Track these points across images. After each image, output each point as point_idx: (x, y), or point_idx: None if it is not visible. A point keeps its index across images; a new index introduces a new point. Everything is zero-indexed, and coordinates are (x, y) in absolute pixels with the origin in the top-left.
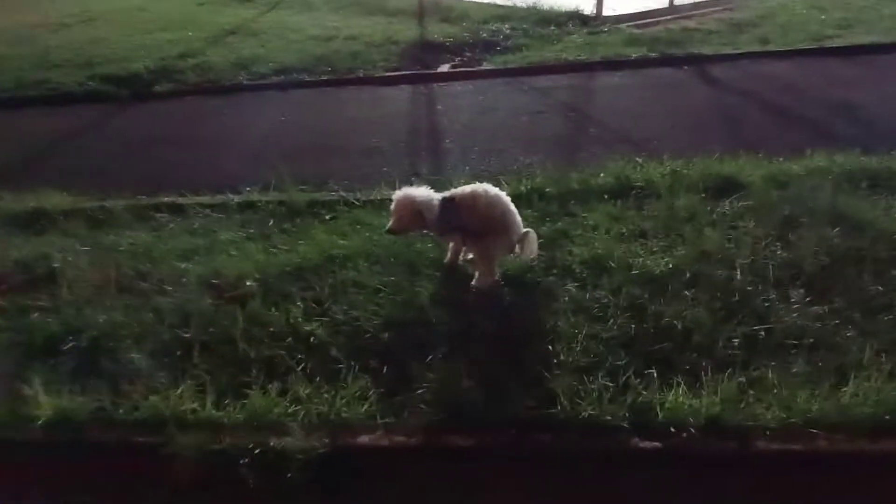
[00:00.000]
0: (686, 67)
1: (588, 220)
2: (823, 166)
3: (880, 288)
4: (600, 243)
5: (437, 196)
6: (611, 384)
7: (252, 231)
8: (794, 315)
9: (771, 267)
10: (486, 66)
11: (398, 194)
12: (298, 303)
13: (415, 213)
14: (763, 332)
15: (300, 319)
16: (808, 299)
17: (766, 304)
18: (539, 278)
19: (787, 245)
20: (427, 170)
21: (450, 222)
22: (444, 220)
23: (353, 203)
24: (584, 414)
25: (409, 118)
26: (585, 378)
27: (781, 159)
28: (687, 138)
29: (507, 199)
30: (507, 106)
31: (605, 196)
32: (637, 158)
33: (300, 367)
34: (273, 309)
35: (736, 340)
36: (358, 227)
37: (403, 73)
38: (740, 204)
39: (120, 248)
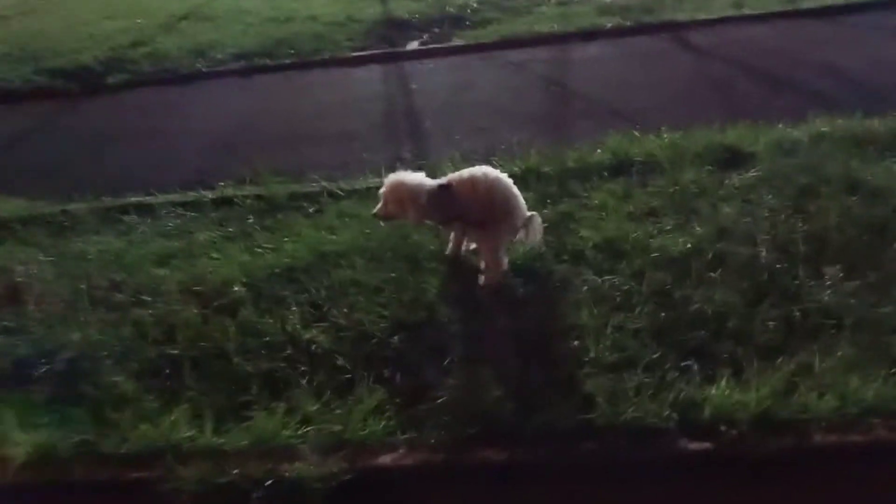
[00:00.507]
0: (663, 35)
1: (592, 199)
2: (826, 131)
3: None
4: (610, 224)
5: (430, 182)
6: (647, 380)
7: (231, 230)
8: (829, 293)
9: (794, 242)
10: (456, 42)
11: (390, 178)
12: (293, 307)
13: (404, 199)
14: (798, 314)
15: (298, 326)
16: (840, 275)
17: (797, 283)
18: (551, 266)
19: (808, 217)
20: (411, 153)
21: (448, 210)
22: (441, 209)
23: (337, 194)
24: (626, 417)
25: (383, 100)
26: (619, 375)
27: (781, 126)
28: (678, 109)
29: (509, 182)
30: (485, 82)
31: (606, 173)
32: (634, 132)
33: (305, 381)
34: (266, 316)
35: (771, 324)
36: (346, 219)
37: (371, 52)
38: (750, 175)
39: (88, 257)
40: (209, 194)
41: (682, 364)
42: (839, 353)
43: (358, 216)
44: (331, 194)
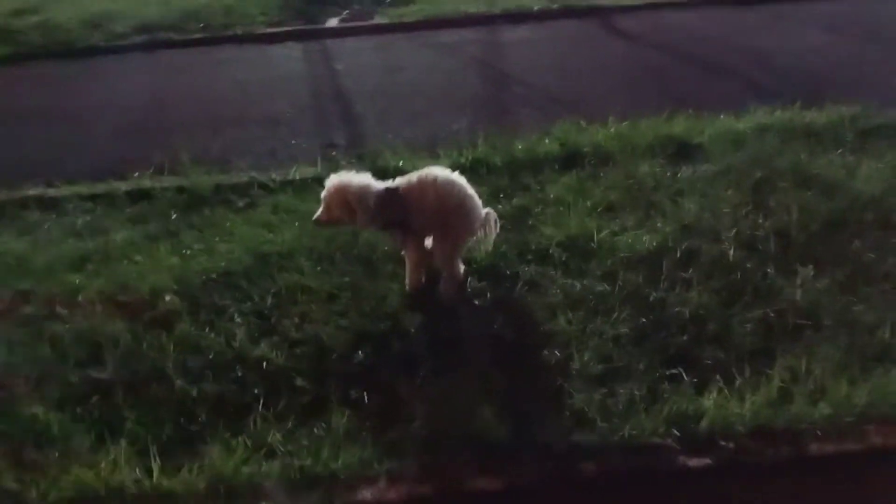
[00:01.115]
0: (591, 19)
1: (548, 193)
2: (767, 122)
3: (873, 255)
4: (572, 221)
5: (377, 185)
6: (638, 392)
7: (153, 228)
8: (800, 292)
9: (759, 238)
10: (379, 21)
11: (331, 180)
12: (237, 319)
13: (350, 203)
14: (774, 315)
15: (245, 341)
16: (811, 273)
17: (768, 282)
18: (516, 267)
19: (768, 212)
20: (345, 140)
21: (395, 216)
22: (384, 214)
23: (268, 186)
24: (624, 434)
25: (307, 80)
26: (608, 388)
27: (723, 116)
28: (617, 96)
29: (463, 183)
30: (416, 64)
31: (556, 165)
32: (580, 122)
33: (261, 405)
34: (207, 329)
35: (749, 326)
36: (284, 215)
37: (288, 28)
38: (704, 168)
39: None
40: (123, 186)
41: (669, 372)
42: (822, 356)
43: (296, 211)
44: (262, 186)
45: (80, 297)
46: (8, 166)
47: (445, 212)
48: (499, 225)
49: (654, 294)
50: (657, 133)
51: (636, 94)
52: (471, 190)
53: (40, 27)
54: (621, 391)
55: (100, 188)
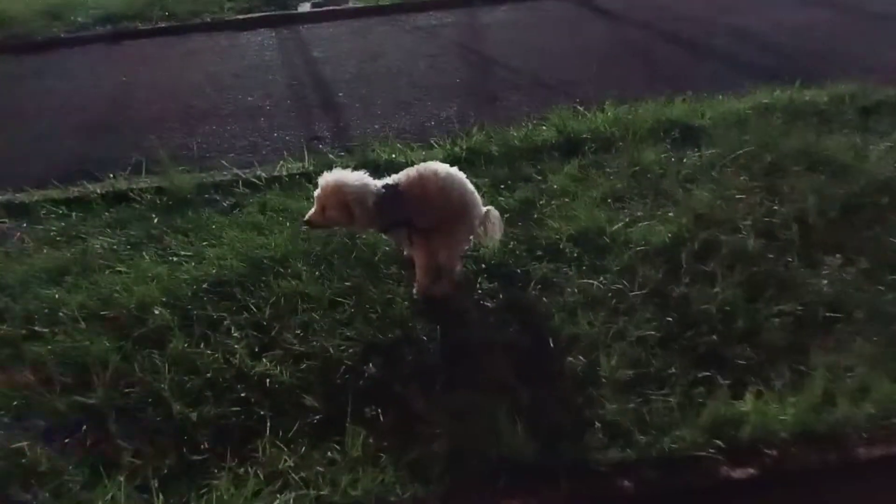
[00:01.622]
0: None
1: (551, 184)
2: (768, 102)
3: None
4: (580, 213)
5: (374, 183)
6: (669, 398)
7: (134, 234)
8: (826, 282)
9: (777, 226)
10: (353, 5)
11: (326, 178)
12: (234, 332)
13: (348, 203)
14: (801, 308)
15: (245, 357)
16: (838, 263)
17: (791, 273)
18: (527, 265)
19: (782, 198)
20: (329, 131)
21: (393, 217)
22: (388, 213)
23: (254, 183)
24: (664, 446)
25: (284, 68)
26: (640, 395)
27: (721, 97)
28: (606, 78)
29: (463, 178)
30: (396, 50)
31: (556, 153)
32: (577, 107)
33: (268, 428)
34: (203, 346)
35: (777, 321)
36: (273, 215)
37: (259, 14)
38: (710, 152)
39: None
40: (97, 188)
41: (701, 375)
42: (858, 351)
43: (286, 210)
44: (247, 184)
45: (60, 314)
46: None
47: (446, 207)
48: (502, 224)
49: (676, 290)
50: (657, 117)
51: (625, 75)
52: (471, 186)
53: None
54: (655, 398)
55: (73, 191)
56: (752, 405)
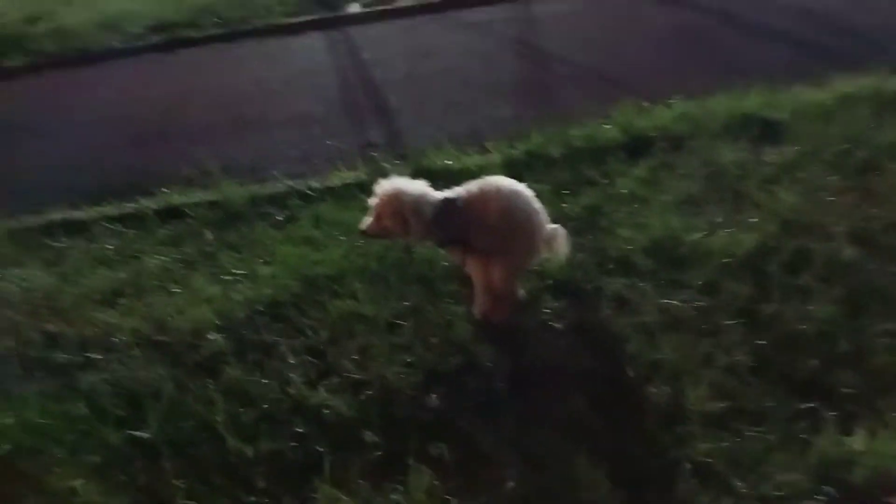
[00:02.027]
0: None
1: (617, 188)
2: (852, 92)
3: None
4: (652, 220)
5: (434, 194)
6: (767, 434)
7: (188, 251)
8: None
9: (874, 232)
10: (402, 3)
11: (383, 186)
12: (290, 359)
13: (405, 213)
14: None
15: (301, 386)
16: None
17: (895, 285)
18: (596, 280)
19: (878, 200)
20: (382, 137)
21: (449, 233)
22: (442, 229)
23: (308, 194)
24: (764, 491)
25: (334, 73)
26: (733, 431)
27: (799, 87)
28: (671, 70)
29: (529, 196)
30: (448, 48)
31: (622, 154)
32: (641, 103)
33: (326, 468)
34: (257, 373)
35: (883, 341)
36: (327, 228)
37: (308, 18)
38: (793, 149)
39: (10, 298)
40: (152, 204)
41: (803, 406)
42: None
43: (340, 223)
44: (301, 195)
45: (115, 339)
46: (28, 188)
47: (509, 228)
48: (569, 241)
49: (767, 308)
50: (730, 111)
51: (691, 66)
52: (537, 203)
53: (53, 33)
54: (751, 435)
55: (127, 208)
56: (865, 443)
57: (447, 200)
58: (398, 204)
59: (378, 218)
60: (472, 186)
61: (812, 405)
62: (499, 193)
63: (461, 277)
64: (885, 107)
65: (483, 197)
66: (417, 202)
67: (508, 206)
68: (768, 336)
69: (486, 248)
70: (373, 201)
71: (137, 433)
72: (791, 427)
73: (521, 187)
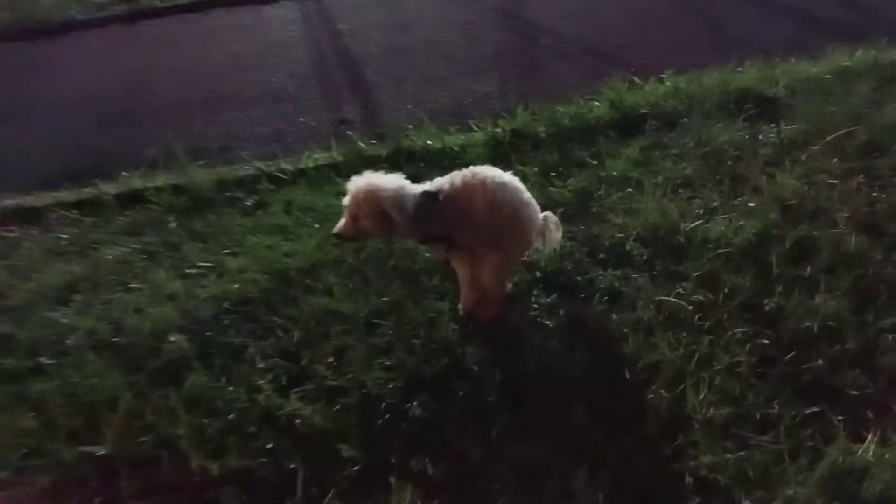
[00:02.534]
0: None
1: (609, 170)
2: (848, 66)
3: None
4: (645, 205)
5: (412, 188)
6: (777, 444)
7: (150, 240)
8: None
9: (880, 218)
10: None
11: (356, 184)
12: (259, 363)
13: (384, 210)
14: None
15: (272, 394)
16: None
17: None
18: (588, 271)
19: (883, 183)
20: (358, 114)
21: (430, 230)
22: (422, 225)
23: (279, 177)
24: None
25: (308, 45)
26: (736, 439)
27: (794, 61)
28: (661, 42)
29: (517, 187)
30: (427, 18)
31: (612, 133)
32: (631, 77)
33: (300, 486)
34: (223, 379)
35: (891, 337)
36: (300, 215)
37: None
38: (791, 128)
39: None
40: (111, 189)
41: (809, 411)
42: None
43: (314, 209)
44: (271, 179)
45: (68, 342)
46: None
47: (497, 223)
48: (560, 227)
49: (770, 302)
50: (724, 87)
51: (683, 38)
52: (527, 194)
53: (10, 3)
54: (756, 444)
55: (84, 193)
56: (873, 451)
57: (427, 194)
58: (376, 202)
59: (354, 219)
60: (454, 178)
61: (818, 409)
62: (484, 186)
63: (445, 271)
64: (885, 82)
65: (467, 190)
66: (398, 197)
67: (495, 201)
68: (770, 333)
69: (473, 244)
70: (346, 201)
71: (92, 449)
72: (799, 434)
73: (508, 178)
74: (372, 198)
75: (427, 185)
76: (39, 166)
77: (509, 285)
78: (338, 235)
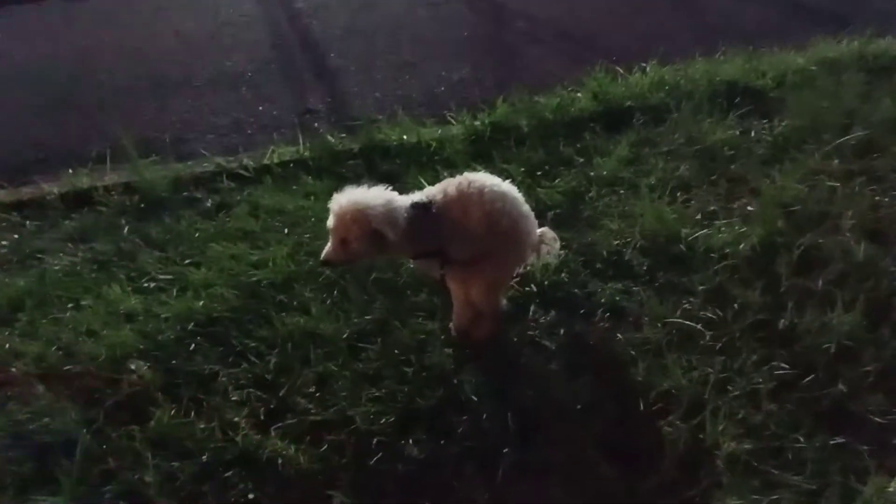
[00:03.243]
0: None
1: (598, 169)
2: (834, 57)
3: None
4: (642, 209)
5: (401, 200)
6: (809, 484)
7: (101, 248)
8: None
9: (885, 223)
10: None
11: (340, 203)
12: (233, 395)
13: (369, 231)
14: None
15: (250, 431)
16: None
17: None
18: (587, 284)
19: (886, 186)
20: (323, 103)
21: (422, 245)
22: (415, 240)
23: (242, 175)
24: None
25: (265, 25)
26: (763, 478)
27: (777, 50)
28: (640, 27)
29: (516, 198)
30: None
31: (597, 128)
32: (614, 67)
33: None
34: (193, 414)
35: None
36: (267, 219)
37: None
38: (783, 125)
39: None
40: (54, 188)
41: (833, 441)
42: None
43: (282, 211)
44: (233, 176)
45: (12, 370)
46: None
47: (495, 238)
48: (558, 241)
49: (783, 319)
50: (710, 77)
51: (659, 23)
52: (526, 206)
53: None
54: (783, 483)
55: (24, 192)
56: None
57: (418, 206)
58: (365, 221)
59: (343, 242)
60: (448, 187)
61: (843, 440)
62: (482, 196)
63: (432, 286)
64: (874, 75)
65: (462, 200)
66: (388, 213)
67: (493, 211)
68: (784, 353)
69: (467, 258)
70: (331, 224)
71: (46, 500)
72: (827, 468)
73: (507, 187)
74: (361, 217)
75: (416, 196)
76: None
77: (503, 301)
78: (326, 262)
